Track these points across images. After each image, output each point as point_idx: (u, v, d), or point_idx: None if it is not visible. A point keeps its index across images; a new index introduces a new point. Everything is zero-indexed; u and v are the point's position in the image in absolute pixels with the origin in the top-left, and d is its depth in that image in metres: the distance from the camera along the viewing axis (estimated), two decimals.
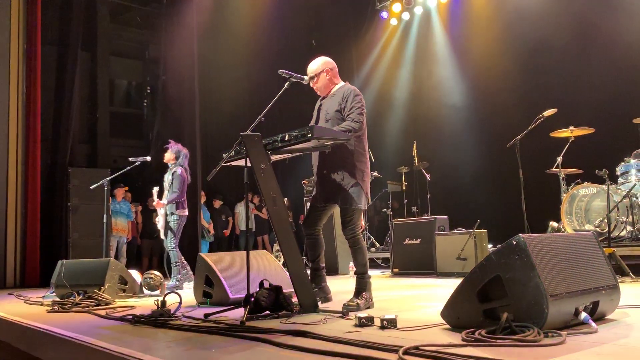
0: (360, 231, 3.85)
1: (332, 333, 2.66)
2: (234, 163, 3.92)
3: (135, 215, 10.09)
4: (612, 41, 8.00)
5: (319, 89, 4.01)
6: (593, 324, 2.51)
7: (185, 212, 6.60)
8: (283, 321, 3.21)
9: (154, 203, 6.63)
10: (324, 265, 4.04)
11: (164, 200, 6.46)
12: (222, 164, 3.75)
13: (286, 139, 3.52)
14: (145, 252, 10.56)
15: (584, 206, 6.41)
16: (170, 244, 6.40)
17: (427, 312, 3.46)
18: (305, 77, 3.95)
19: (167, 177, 6.56)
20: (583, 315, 2.54)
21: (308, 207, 4.08)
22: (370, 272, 3.90)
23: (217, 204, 11.20)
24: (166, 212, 6.47)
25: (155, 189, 6.59)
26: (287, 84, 3.83)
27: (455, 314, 2.73)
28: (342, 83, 4.04)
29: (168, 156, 6.62)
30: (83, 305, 4.59)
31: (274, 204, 3.58)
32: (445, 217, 7.34)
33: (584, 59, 8.26)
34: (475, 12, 10.16)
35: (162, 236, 6.59)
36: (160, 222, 6.55)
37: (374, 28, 12.12)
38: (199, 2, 10.52)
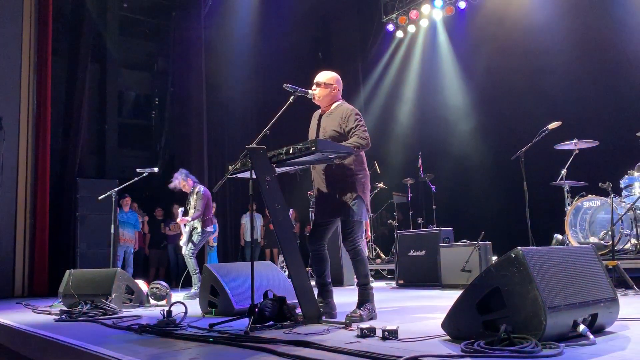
0: (366, 242, 3.89)
1: (334, 343, 2.70)
2: (239, 175, 3.99)
3: (142, 225, 10.17)
4: (616, 54, 8.06)
5: (318, 98, 4.02)
6: (591, 336, 2.54)
7: (211, 229, 6.97)
8: (286, 331, 3.26)
9: (178, 220, 6.97)
10: (330, 280, 4.05)
11: (188, 217, 6.79)
12: (228, 175, 3.83)
13: (291, 151, 3.58)
14: (153, 262, 10.62)
15: (589, 219, 6.43)
16: (188, 252, 6.72)
17: (428, 323, 3.49)
18: (310, 91, 4.01)
19: (191, 198, 6.87)
20: (581, 327, 2.57)
21: (312, 223, 4.13)
22: (376, 283, 3.95)
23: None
24: (191, 227, 6.77)
25: (180, 210, 6.91)
26: (291, 97, 3.89)
27: (456, 325, 2.77)
28: (340, 101, 4.09)
29: (184, 186, 6.93)
30: (90, 314, 4.66)
31: (278, 216, 3.64)
32: (450, 228, 7.36)
33: (588, 72, 8.30)
34: (481, 25, 10.23)
35: (183, 252, 6.92)
36: (183, 240, 6.91)
37: (380, 41, 12.22)
38: (206, 16, 10.69)
